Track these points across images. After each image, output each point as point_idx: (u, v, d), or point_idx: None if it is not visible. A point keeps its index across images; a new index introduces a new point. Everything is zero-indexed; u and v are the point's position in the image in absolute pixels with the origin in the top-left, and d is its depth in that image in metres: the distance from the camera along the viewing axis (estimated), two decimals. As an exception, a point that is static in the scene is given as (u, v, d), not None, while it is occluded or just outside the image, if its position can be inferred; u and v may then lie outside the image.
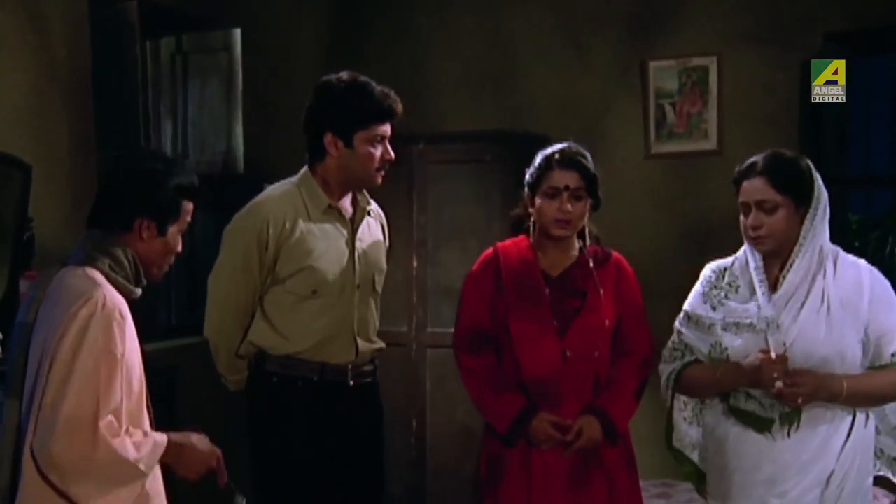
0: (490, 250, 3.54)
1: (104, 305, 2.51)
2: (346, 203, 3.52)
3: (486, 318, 3.44)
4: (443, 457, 5.47)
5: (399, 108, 3.44)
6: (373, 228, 3.62)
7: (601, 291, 3.40)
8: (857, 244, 6.39)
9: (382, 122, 3.41)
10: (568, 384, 3.36)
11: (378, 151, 3.41)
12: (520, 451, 3.38)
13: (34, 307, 2.59)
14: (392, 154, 3.45)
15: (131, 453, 2.49)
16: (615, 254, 3.51)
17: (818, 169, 3.13)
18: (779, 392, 2.95)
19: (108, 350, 2.49)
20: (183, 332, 5.08)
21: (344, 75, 3.44)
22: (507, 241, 3.54)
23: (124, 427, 2.52)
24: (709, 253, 3.32)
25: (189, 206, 2.74)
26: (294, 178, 3.51)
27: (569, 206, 3.35)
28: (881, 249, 7.08)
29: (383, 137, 3.42)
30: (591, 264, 3.44)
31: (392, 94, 3.43)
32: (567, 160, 3.37)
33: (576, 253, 3.47)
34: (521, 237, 3.51)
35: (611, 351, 3.44)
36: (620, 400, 3.40)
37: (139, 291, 2.70)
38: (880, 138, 5.88)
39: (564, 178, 3.36)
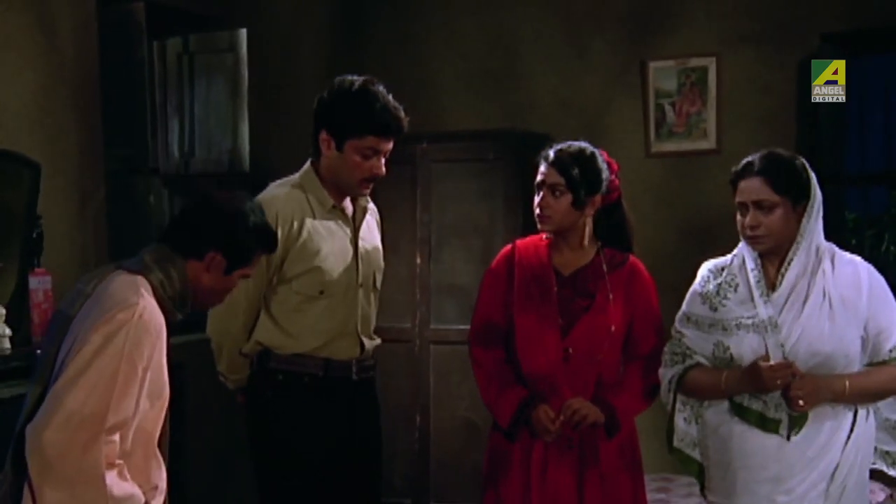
0: (508, 246, 3.56)
1: (141, 316, 2.51)
2: (347, 201, 3.50)
3: (499, 313, 3.47)
4: (445, 451, 5.52)
5: (402, 126, 3.35)
6: (371, 226, 3.61)
7: (610, 296, 3.40)
8: (853, 242, 6.42)
9: (376, 135, 3.32)
10: (568, 383, 3.37)
11: (367, 164, 3.34)
12: (521, 448, 3.41)
13: (80, 301, 2.58)
14: (383, 170, 3.38)
15: (113, 489, 2.45)
16: (632, 258, 3.50)
17: (814, 167, 3.15)
18: (785, 397, 2.99)
19: (132, 360, 2.48)
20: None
21: (360, 79, 3.37)
22: (527, 238, 3.56)
23: (126, 448, 2.51)
24: (707, 250, 3.34)
25: (261, 257, 2.84)
26: (296, 176, 3.48)
27: (541, 202, 3.38)
28: (877, 247, 7.12)
29: (377, 151, 3.34)
30: (605, 267, 3.44)
31: (398, 111, 3.34)
32: (552, 157, 3.39)
33: (591, 254, 3.47)
34: (542, 234, 3.51)
35: (621, 356, 3.45)
36: (624, 395, 3.40)
37: (180, 316, 2.71)
38: (875, 137, 5.91)
39: (544, 173, 3.39)
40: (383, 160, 3.38)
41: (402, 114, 3.35)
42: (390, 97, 3.36)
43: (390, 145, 3.38)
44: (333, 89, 3.39)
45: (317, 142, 3.42)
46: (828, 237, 3.17)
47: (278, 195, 3.41)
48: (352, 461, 3.51)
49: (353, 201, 3.52)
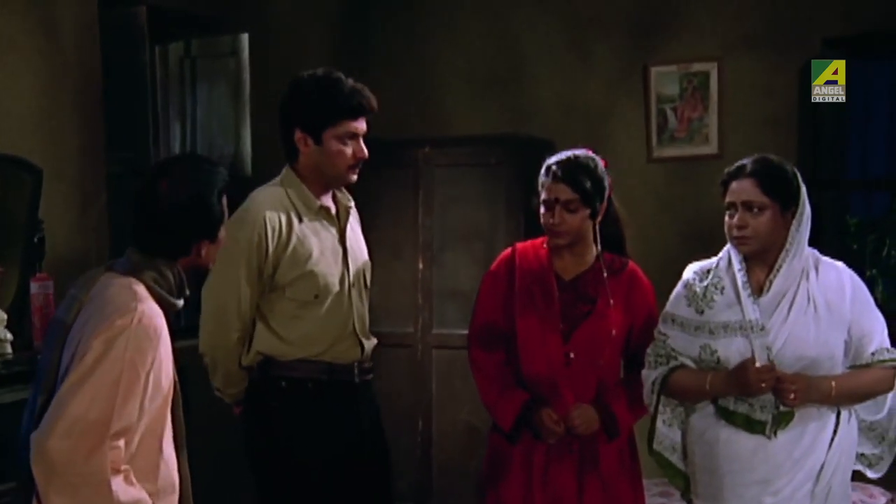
0: (508, 250, 3.56)
1: (140, 321, 2.50)
2: (329, 201, 3.47)
3: (499, 316, 3.47)
4: (448, 455, 5.52)
5: (372, 104, 3.35)
6: (354, 225, 3.59)
7: (611, 301, 3.41)
8: (854, 246, 6.42)
9: (352, 118, 3.31)
10: (568, 387, 3.39)
11: (349, 149, 3.33)
12: (522, 451, 3.42)
13: (76, 307, 2.59)
14: (365, 152, 3.37)
15: (119, 494, 2.46)
16: (631, 263, 3.51)
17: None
18: (774, 392, 3.02)
19: (134, 365, 2.48)
20: (191, 333, 5.09)
21: (318, 71, 3.38)
22: (527, 242, 3.56)
23: (132, 451, 2.52)
24: (709, 255, 3.34)
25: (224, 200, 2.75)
26: (276, 181, 3.44)
27: (557, 219, 3.36)
28: (879, 251, 7.10)
29: (355, 134, 3.33)
30: (605, 273, 3.45)
31: (365, 90, 3.34)
32: (561, 173, 3.36)
33: (591, 259, 3.48)
34: (542, 238, 3.50)
35: (621, 361, 3.49)
36: (623, 399, 3.43)
37: (181, 303, 2.71)
38: (877, 141, 5.94)
39: (556, 190, 3.36)
40: (362, 142, 3.37)
41: (369, 92, 3.36)
42: (351, 80, 3.36)
43: (364, 125, 3.37)
44: (295, 86, 3.39)
45: (290, 144, 3.39)
46: (829, 242, 3.19)
47: (263, 203, 3.35)
48: (362, 463, 3.49)
49: (336, 201, 3.49)
